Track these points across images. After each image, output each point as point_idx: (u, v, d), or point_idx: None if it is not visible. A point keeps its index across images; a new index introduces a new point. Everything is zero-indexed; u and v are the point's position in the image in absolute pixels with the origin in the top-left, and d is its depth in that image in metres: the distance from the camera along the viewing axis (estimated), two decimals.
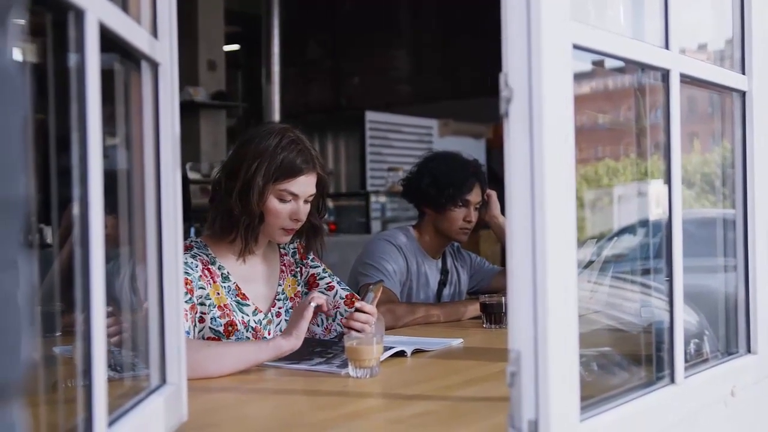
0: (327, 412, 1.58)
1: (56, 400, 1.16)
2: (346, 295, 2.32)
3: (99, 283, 0.99)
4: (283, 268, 2.33)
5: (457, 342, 2.31)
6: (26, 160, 0.59)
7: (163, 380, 1.36)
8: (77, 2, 0.94)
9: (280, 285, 2.30)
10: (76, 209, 0.98)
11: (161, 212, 1.35)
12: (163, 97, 1.34)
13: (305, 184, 2.16)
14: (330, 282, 2.35)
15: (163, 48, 1.33)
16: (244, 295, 2.20)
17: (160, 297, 1.35)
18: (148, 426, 1.22)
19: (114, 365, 1.34)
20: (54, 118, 1.05)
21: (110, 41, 1.09)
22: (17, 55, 0.60)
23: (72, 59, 0.98)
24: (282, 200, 2.15)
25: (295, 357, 2.02)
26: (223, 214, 2.16)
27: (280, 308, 2.29)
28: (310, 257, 2.38)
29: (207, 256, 2.18)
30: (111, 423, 1.07)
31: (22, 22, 0.62)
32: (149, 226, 1.34)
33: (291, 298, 2.32)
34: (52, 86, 1.04)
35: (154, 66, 1.32)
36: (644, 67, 1.52)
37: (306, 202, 2.18)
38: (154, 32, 1.32)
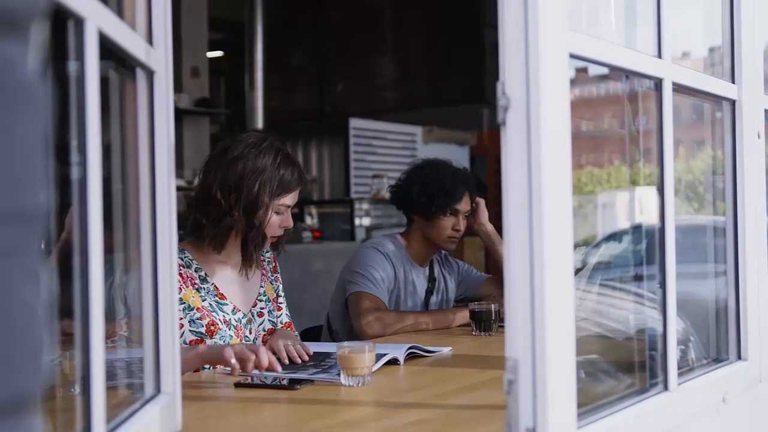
0: (321, 421, 1.57)
1: (52, 409, 1.15)
2: (286, 323, 2.44)
3: (98, 292, 0.99)
4: (264, 272, 2.42)
5: (446, 350, 2.31)
6: (47, 172, 0.59)
7: (158, 390, 1.35)
8: (78, 10, 0.94)
9: (261, 287, 2.38)
10: (75, 217, 0.97)
11: (156, 220, 1.34)
12: (158, 105, 1.33)
13: (296, 195, 2.30)
14: (281, 303, 2.47)
15: (158, 56, 1.33)
16: (222, 294, 2.26)
17: (154, 306, 1.34)
18: None
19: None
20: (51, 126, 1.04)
21: (106, 48, 1.09)
22: (38, 66, 0.60)
23: (71, 66, 0.97)
24: (278, 213, 2.26)
25: (290, 368, 2.01)
26: (222, 231, 2.22)
27: (262, 308, 2.36)
28: (278, 272, 2.49)
29: (182, 260, 2.23)
30: None
31: (43, 34, 0.62)
32: (144, 234, 1.33)
33: (273, 300, 2.41)
34: (49, 93, 1.03)
35: (150, 73, 1.31)
36: (638, 76, 1.53)
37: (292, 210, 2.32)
38: (150, 40, 1.32)
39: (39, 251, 0.57)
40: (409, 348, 2.16)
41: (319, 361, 2.10)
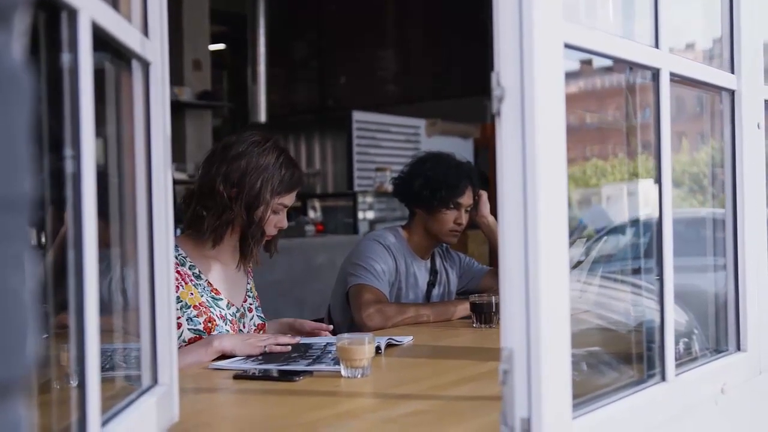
0: (319, 412, 1.57)
1: (47, 401, 1.15)
2: (259, 324, 2.42)
3: (92, 284, 0.99)
4: (249, 270, 2.45)
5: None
6: (32, 161, 0.60)
7: (155, 381, 1.35)
8: (70, 1, 0.94)
9: (248, 283, 2.43)
10: (69, 211, 0.97)
11: (152, 213, 1.34)
12: (154, 97, 1.33)
13: (294, 197, 2.33)
14: (257, 304, 2.46)
15: (154, 47, 1.33)
16: (216, 290, 2.28)
17: (151, 298, 1.34)
18: (140, 426, 1.22)
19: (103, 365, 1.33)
20: (44, 118, 1.04)
21: (101, 40, 1.09)
22: (23, 55, 0.60)
23: (65, 59, 0.97)
24: (275, 212, 2.28)
25: (281, 360, 2.01)
26: (223, 224, 2.24)
27: (251, 304, 2.41)
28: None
29: (176, 258, 2.23)
30: (104, 423, 1.07)
31: (26, 22, 0.62)
32: (140, 227, 1.33)
33: (256, 297, 2.45)
34: (42, 86, 1.03)
35: (146, 65, 1.31)
36: (635, 66, 1.52)
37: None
38: (145, 31, 1.32)
39: (25, 239, 0.58)
40: (387, 339, 2.21)
41: (304, 352, 2.10)
